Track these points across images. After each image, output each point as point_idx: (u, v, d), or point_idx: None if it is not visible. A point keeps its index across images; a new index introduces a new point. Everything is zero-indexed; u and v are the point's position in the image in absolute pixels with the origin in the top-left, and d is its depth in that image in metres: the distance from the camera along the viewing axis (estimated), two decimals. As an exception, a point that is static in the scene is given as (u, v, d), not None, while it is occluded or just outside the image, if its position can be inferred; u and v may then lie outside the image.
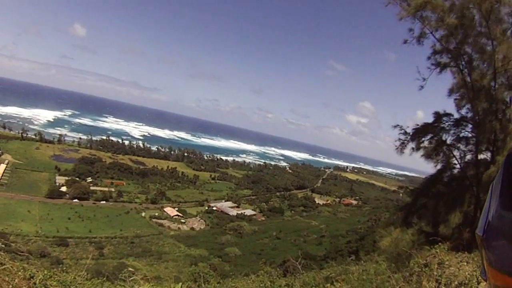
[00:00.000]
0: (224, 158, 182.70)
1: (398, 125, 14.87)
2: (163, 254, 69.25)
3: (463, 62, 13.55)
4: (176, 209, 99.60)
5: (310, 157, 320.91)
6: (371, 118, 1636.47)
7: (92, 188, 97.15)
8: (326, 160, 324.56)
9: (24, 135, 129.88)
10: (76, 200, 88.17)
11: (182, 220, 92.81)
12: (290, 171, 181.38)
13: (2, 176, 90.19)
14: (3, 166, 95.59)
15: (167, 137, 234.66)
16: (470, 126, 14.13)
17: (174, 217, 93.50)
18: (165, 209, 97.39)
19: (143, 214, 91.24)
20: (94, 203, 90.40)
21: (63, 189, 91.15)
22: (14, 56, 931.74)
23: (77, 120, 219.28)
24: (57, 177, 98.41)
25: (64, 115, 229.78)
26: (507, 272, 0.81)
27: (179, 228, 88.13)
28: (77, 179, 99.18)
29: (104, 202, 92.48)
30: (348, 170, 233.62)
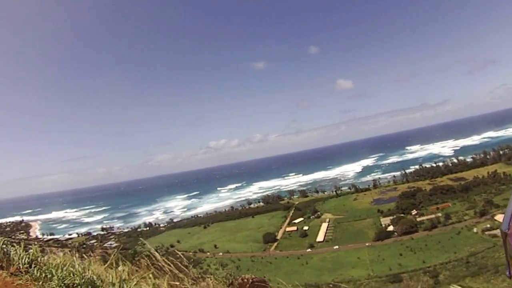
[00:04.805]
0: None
1: None
2: (499, 267, 62.11)
3: None
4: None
5: None
6: None
7: (418, 219, 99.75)
8: None
9: (338, 192, 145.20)
10: (404, 235, 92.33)
11: (517, 223, 79.78)
12: None
13: (326, 233, 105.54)
14: (325, 224, 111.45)
15: (478, 143, 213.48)
16: None
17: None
18: (495, 218, 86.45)
19: (474, 230, 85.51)
20: (424, 233, 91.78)
21: (390, 228, 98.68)
22: (301, 130, 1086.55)
23: (385, 162, 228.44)
24: (382, 219, 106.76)
25: (371, 161, 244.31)
26: None
27: (516, 233, 76.53)
28: (402, 215, 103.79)
29: (434, 229, 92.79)
30: None
